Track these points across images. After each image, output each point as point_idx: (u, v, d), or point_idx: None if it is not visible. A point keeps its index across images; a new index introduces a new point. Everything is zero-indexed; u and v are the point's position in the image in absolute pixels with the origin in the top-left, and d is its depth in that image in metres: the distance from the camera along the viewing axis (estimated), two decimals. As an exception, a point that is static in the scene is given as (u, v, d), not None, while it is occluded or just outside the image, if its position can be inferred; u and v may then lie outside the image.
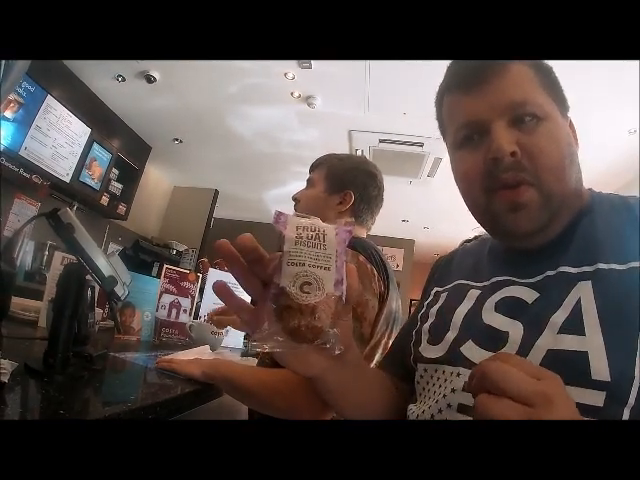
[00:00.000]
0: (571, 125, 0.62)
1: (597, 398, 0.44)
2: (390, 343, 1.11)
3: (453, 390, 0.56)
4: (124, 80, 3.51)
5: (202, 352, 1.38)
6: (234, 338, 1.83)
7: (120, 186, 4.42)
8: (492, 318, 0.59)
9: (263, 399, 0.91)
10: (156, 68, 3.32)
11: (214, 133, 4.30)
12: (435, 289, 0.75)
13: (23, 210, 3.39)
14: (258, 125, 4.01)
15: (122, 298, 0.95)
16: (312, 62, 2.94)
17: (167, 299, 1.73)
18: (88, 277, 0.86)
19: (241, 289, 0.45)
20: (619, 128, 3.08)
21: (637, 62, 2.21)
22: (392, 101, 3.29)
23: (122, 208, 4.46)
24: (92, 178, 3.94)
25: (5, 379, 0.61)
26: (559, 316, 0.51)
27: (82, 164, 3.76)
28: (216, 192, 5.87)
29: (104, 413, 0.65)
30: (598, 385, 0.45)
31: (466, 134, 0.60)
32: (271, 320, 0.41)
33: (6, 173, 3.02)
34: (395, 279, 1.15)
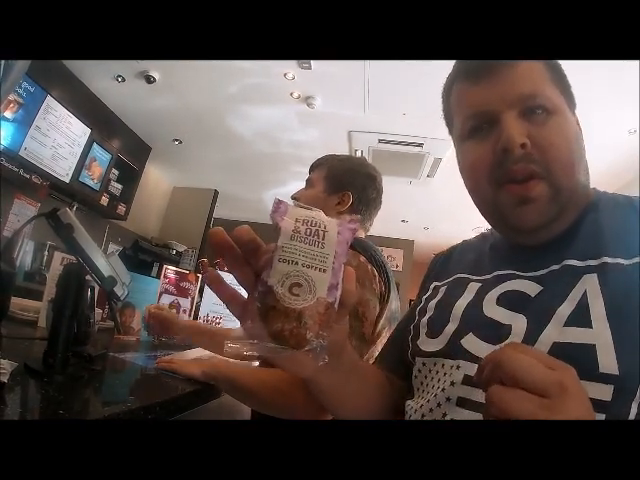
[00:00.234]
0: (577, 122, 0.62)
1: (605, 392, 0.44)
2: None
3: (452, 383, 0.55)
4: (124, 80, 3.51)
5: (202, 352, 1.38)
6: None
7: (120, 186, 4.41)
8: (493, 311, 0.58)
9: (263, 399, 0.91)
10: (156, 68, 3.31)
11: (214, 133, 4.30)
12: (434, 284, 0.74)
13: (23, 210, 3.39)
14: (258, 125, 4.01)
15: (122, 298, 0.95)
16: (312, 62, 2.94)
17: (167, 299, 1.73)
18: (88, 277, 0.86)
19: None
20: (619, 128, 3.08)
21: (637, 62, 2.21)
22: (392, 101, 3.29)
23: (122, 208, 4.45)
24: (92, 178, 3.94)
25: (5, 379, 0.61)
26: (565, 309, 0.50)
27: (82, 164, 3.75)
28: (216, 192, 5.87)
29: (104, 413, 0.65)
30: (606, 379, 0.44)
31: (475, 124, 0.59)
32: (255, 319, 0.37)
33: (6, 173, 3.02)
34: (394, 280, 1.15)
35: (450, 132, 0.69)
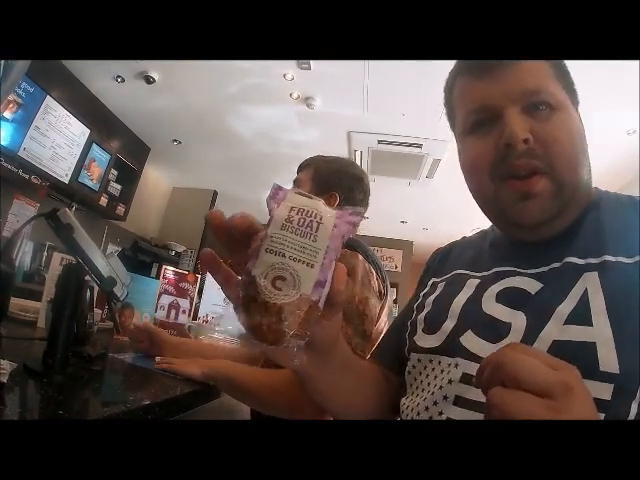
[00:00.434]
0: (580, 120, 0.61)
1: (605, 391, 0.43)
2: None
3: (450, 381, 0.55)
4: (123, 81, 3.51)
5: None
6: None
7: (119, 187, 4.41)
8: (492, 308, 0.57)
9: (263, 398, 0.91)
10: (155, 69, 3.31)
11: (213, 134, 4.30)
12: (432, 280, 0.73)
13: (22, 211, 3.39)
14: (257, 126, 4.01)
15: (121, 299, 0.95)
16: (311, 63, 2.94)
17: (166, 300, 1.73)
18: (87, 278, 0.86)
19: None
20: (619, 128, 3.08)
21: (637, 62, 2.21)
22: (391, 102, 3.29)
23: (121, 209, 4.45)
24: (91, 179, 3.94)
25: (4, 379, 0.61)
26: (565, 306, 0.50)
27: (81, 165, 3.75)
28: (215, 193, 5.87)
29: (103, 413, 0.65)
30: (606, 377, 0.44)
31: (477, 119, 0.59)
32: (238, 308, 0.36)
33: (5, 174, 3.02)
34: (387, 276, 1.19)
35: (452, 127, 0.69)
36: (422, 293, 0.73)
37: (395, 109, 3.36)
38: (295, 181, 1.32)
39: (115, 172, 4.33)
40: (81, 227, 0.85)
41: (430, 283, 0.73)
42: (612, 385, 0.43)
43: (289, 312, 0.35)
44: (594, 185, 0.64)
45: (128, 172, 4.51)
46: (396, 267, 6.69)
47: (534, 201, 0.55)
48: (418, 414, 0.58)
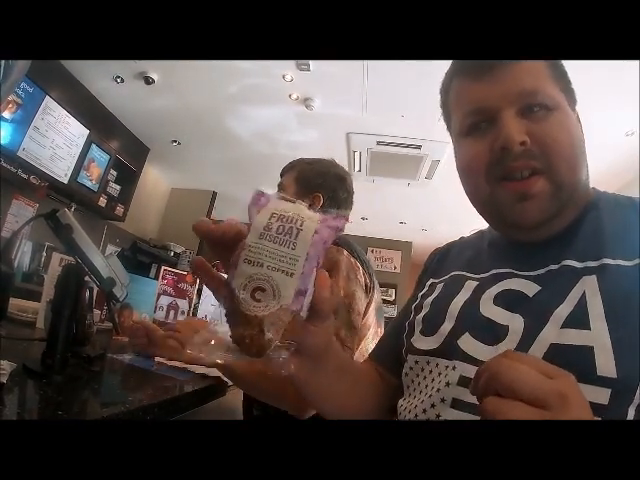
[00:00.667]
0: (578, 119, 0.61)
1: (602, 395, 0.43)
2: (382, 332, 1.17)
3: (448, 384, 0.55)
4: (122, 81, 3.51)
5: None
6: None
7: (118, 187, 4.41)
8: (490, 310, 0.57)
9: (264, 389, 0.94)
10: (154, 69, 3.32)
11: (212, 134, 4.30)
12: (430, 280, 0.73)
13: (21, 211, 3.39)
14: (256, 126, 4.02)
15: (121, 299, 0.95)
16: (310, 64, 2.95)
17: (165, 301, 1.73)
18: (86, 278, 0.86)
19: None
20: (619, 128, 3.08)
21: (637, 62, 2.21)
22: (390, 103, 3.30)
23: (120, 209, 4.45)
24: (90, 179, 3.93)
25: (4, 380, 0.61)
26: (563, 310, 0.50)
27: (80, 165, 3.75)
28: (214, 193, 5.87)
29: (102, 414, 0.65)
30: (603, 382, 0.43)
31: (473, 121, 0.59)
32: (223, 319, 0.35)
33: (4, 174, 3.01)
34: (374, 272, 1.22)
35: (448, 128, 0.68)
36: (420, 294, 0.72)
37: (394, 110, 3.37)
38: (279, 185, 1.35)
39: (114, 172, 4.33)
40: (80, 228, 0.85)
41: (428, 284, 0.73)
42: (609, 390, 0.43)
43: (270, 323, 0.34)
44: (593, 185, 0.64)
45: (127, 173, 4.51)
46: (395, 268, 6.70)
47: (532, 202, 0.54)
48: (416, 416, 0.57)
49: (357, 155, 4.14)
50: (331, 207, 1.28)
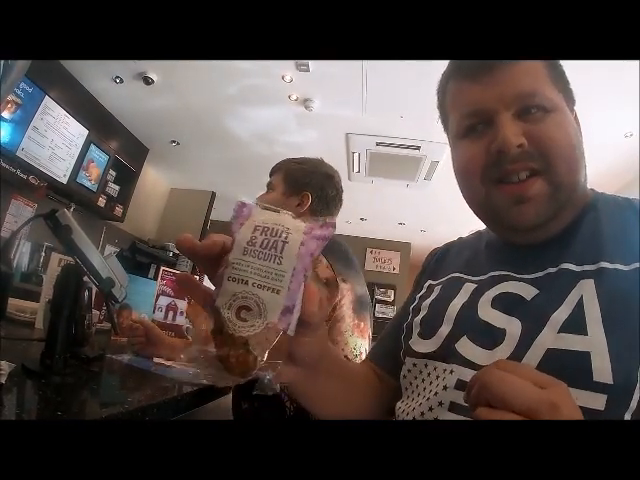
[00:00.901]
0: (576, 119, 0.61)
1: (598, 401, 0.43)
2: (368, 326, 1.19)
3: (445, 387, 0.54)
4: (122, 82, 3.50)
5: None
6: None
7: (117, 188, 4.40)
8: (488, 314, 0.57)
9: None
10: (154, 70, 3.31)
11: (212, 135, 4.30)
12: (428, 282, 0.72)
13: (20, 211, 3.38)
14: (256, 127, 4.01)
15: (120, 300, 0.95)
16: (310, 65, 2.95)
17: (164, 301, 1.72)
18: (85, 278, 0.86)
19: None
20: (619, 129, 3.08)
21: (637, 62, 2.21)
22: (389, 104, 3.30)
23: (119, 210, 4.45)
24: (89, 179, 3.93)
25: (3, 380, 0.61)
26: (560, 314, 0.49)
27: (79, 165, 3.74)
28: (213, 194, 5.86)
29: (101, 414, 0.65)
30: (600, 387, 0.43)
31: (470, 123, 0.59)
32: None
33: (3, 174, 3.01)
34: (357, 265, 1.23)
35: (445, 129, 0.68)
36: (418, 295, 0.72)
37: (393, 111, 3.37)
38: (268, 185, 1.37)
39: (113, 173, 4.33)
40: (79, 228, 0.85)
41: (426, 285, 0.72)
42: (605, 396, 0.43)
43: (256, 343, 0.33)
44: (593, 186, 0.63)
45: (126, 173, 4.51)
46: (394, 269, 6.70)
47: (529, 204, 0.54)
48: (413, 419, 0.57)
49: (356, 156, 4.14)
50: (320, 205, 1.29)
